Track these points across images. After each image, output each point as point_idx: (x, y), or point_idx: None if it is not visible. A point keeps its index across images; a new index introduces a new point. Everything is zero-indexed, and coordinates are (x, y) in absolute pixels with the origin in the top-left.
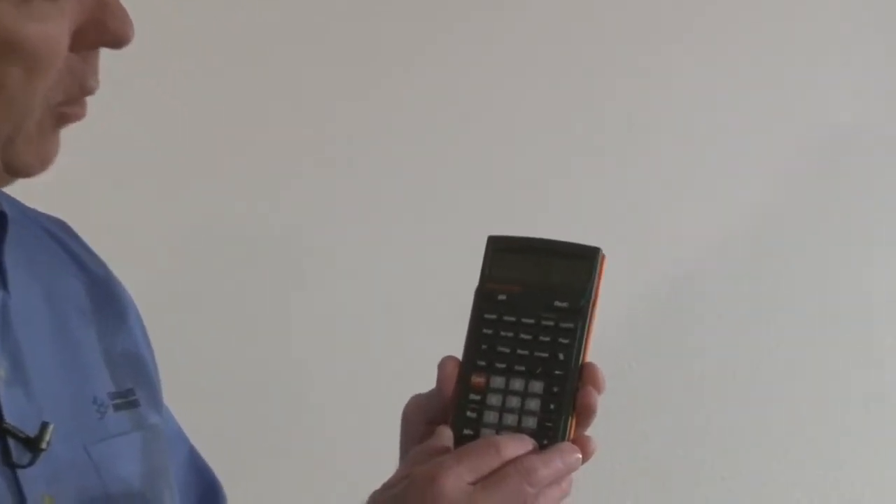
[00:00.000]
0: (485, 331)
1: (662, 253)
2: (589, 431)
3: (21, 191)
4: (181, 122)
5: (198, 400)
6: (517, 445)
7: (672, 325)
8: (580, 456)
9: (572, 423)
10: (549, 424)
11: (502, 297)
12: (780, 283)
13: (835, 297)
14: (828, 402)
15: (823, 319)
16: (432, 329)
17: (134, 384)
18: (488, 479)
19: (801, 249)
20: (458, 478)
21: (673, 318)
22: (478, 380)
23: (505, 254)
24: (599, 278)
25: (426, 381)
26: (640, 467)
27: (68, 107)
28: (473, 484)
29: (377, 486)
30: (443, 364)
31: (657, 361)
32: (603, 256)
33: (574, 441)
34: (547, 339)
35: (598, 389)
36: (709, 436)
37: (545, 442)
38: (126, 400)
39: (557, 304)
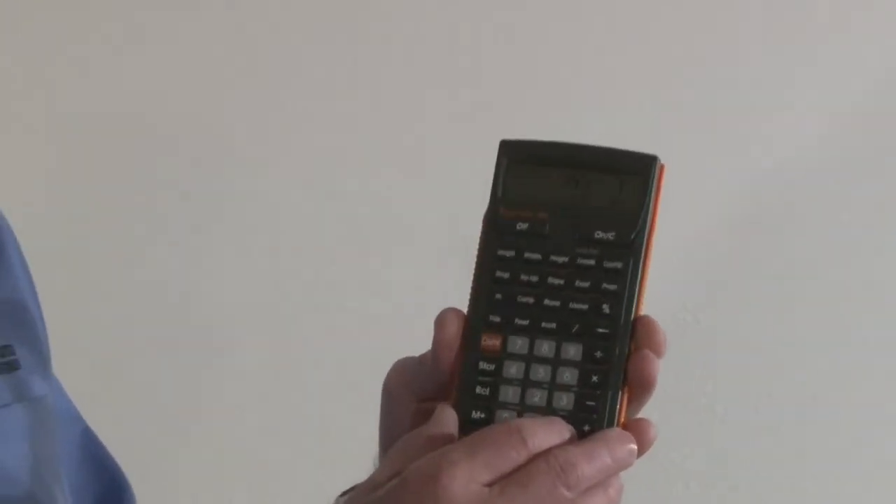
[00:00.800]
0: (499, 274)
1: (744, 163)
2: (644, 412)
3: None
4: None
5: (88, 366)
6: (549, 433)
7: (755, 260)
8: (635, 447)
9: (623, 400)
10: (591, 403)
11: (522, 226)
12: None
13: None
14: None
15: None
16: (421, 268)
17: (13, 340)
18: (510, 479)
19: None
20: (469, 477)
21: (756, 251)
22: (490, 342)
23: (525, 166)
24: (657, 199)
25: (416, 342)
26: (705, 448)
27: None
28: (490, 485)
29: (340, 482)
30: (442, 320)
31: (730, 313)
32: (662, 167)
33: (626, 427)
34: (586, 284)
35: (658, 353)
36: (792, 407)
37: (586, 428)
38: (3, 360)
39: (600, 235)
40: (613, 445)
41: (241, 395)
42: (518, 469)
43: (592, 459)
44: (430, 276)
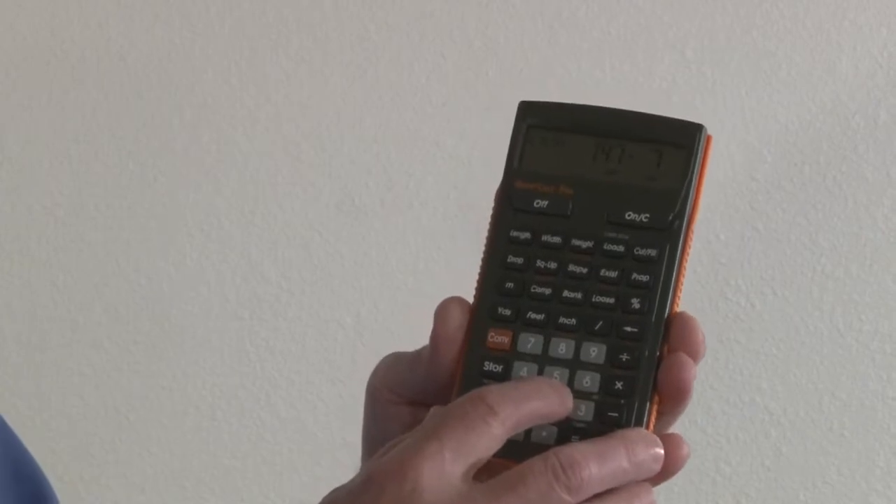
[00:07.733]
0: (511, 259)
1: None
2: (676, 427)
3: None
4: None
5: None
6: (523, 398)
7: (812, 234)
8: (661, 451)
9: (652, 411)
10: (614, 414)
11: (541, 203)
12: None
13: None
14: None
15: None
16: (417, 249)
17: None
18: (500, 478)
19: None
20: (441, 468)
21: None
22: (499, 339)
23: (547, 132)
24: (701, 176)
25: (410, 336)
26: (761, 457)
27: None
28: (467, 472)
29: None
30: (443, 311)
31: (787, 300)
32: (708, 138)
33: None
34: (613, 274)
35: (695, 356)
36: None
37: None
38: None
39: (632, 217)
40: (633, 446)
41: (206, 393)
42: (513, 466)
43: (604, 460)
44: (426, 257)
